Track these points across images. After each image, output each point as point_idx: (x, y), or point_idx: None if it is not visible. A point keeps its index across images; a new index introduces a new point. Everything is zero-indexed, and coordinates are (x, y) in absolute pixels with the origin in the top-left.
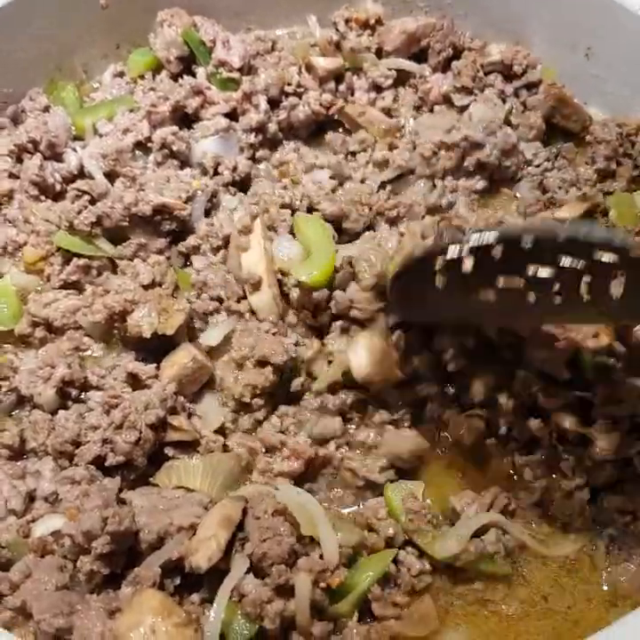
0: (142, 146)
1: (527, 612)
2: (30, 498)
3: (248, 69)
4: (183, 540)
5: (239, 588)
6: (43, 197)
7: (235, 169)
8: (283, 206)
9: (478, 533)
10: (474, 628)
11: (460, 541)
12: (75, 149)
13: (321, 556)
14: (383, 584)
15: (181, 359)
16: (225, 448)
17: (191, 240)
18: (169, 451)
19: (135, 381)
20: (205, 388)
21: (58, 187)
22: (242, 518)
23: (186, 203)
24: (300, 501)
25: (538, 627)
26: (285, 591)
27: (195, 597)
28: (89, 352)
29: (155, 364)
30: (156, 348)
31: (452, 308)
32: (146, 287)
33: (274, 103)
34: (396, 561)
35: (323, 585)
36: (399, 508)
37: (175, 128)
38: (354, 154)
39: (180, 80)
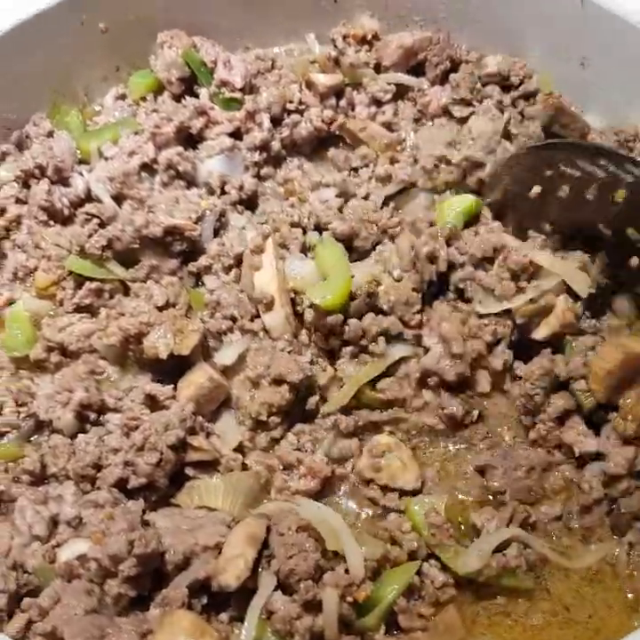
0: (148, 168)
1: (549, 621)
2: (53, 522)
3: (250, 88)
4: (209, 559)
5: (268, 605)
6: (51, 222)
7: (241, 187)
8: (293, 225)
9: (500, 548)
10: (498, 638)
11: (482, 557)
12: (81, 173)
13: (346, 571)
14: (408, 596)
15: (198, 379)
16: (244, 466)
17: (202, 260)
18: (189, 471)
19: (153, 403)
20: (222, 407)
21: (66, 211)
22: (266, 536)
23: (196, 223)
24: (322, 517)
25: (560, 636)
26: (313, 607)
27: (223, 616)
28: (105, 375)
29: (171, 385)
30: (171, 369)
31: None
32: (160, 308)
33: (276, 121)
34: (419, 573)
35: (349, 599)
36: (421, 522)
37: (180, 149)
38: (356, 169)
39: (183, 101)
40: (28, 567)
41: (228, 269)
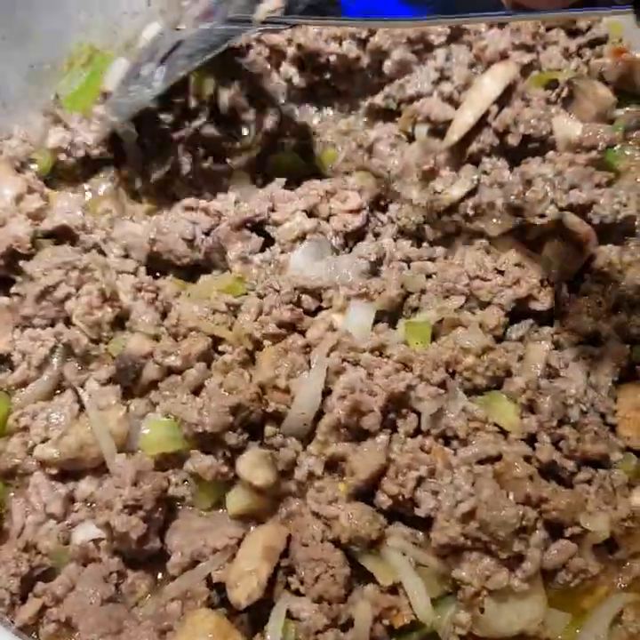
0: None
1: None
2: (70, 500)
3: None
4: (219, 561)
5: (291, 611)
6: None
7: None
8: None
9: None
10: None
11: None
12: None
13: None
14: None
15: None
16: None
17: None
18: None
19: None
20: None
21: None
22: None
23: None
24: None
25: None
26: (343, 622)
27: (244, 617)
28: None
29: None
30: None
31: None
32: None
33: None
34: None
35: (386, 622)
36: None
37: None
38: None
39: None
40: (42, 548)
41: None
